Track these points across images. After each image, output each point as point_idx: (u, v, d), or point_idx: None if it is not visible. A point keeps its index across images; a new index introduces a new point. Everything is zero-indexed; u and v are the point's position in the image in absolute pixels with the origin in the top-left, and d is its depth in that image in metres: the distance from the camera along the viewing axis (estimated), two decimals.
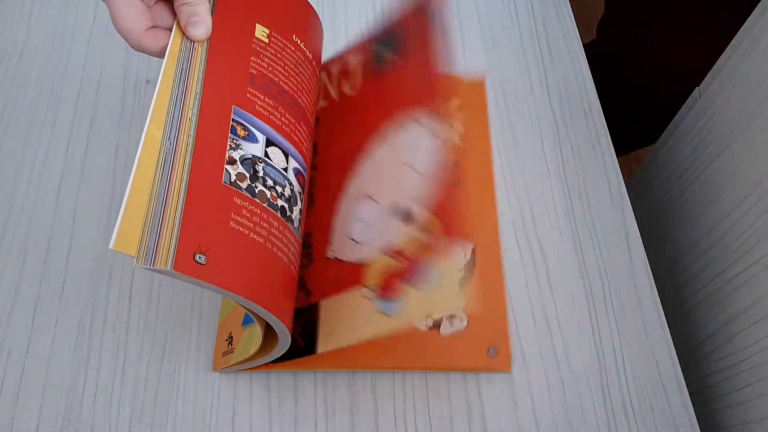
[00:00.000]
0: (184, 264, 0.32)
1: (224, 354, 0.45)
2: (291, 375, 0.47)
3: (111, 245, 0.30)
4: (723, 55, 0.56)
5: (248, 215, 0.36)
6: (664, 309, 0.51)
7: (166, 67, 0.37)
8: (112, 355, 0.47)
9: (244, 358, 0.42)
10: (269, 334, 0.40)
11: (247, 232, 0.36)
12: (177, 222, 0.33)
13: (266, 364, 0.43)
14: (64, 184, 0.53)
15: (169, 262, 0.31)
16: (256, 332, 0.40)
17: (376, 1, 0.67)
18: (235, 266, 0.34)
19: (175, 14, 0.40)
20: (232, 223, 0.35)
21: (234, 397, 0.46)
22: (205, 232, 0.34)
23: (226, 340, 0.46)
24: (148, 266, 0.31)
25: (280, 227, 0.39)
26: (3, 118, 0.56)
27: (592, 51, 0.68)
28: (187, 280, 0.32)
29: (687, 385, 0.48)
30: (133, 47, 0.39)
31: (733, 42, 0.55)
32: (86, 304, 0.48)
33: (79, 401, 0.45)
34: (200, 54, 0.39)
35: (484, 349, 0.48)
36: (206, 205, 0.35)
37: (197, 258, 0.32)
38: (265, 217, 0.37)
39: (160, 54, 0.38)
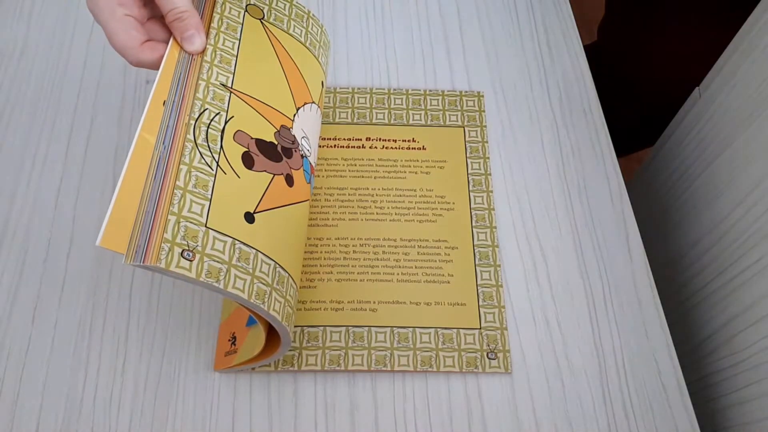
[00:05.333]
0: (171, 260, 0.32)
1: (227, 354, 0.45)
2: (291, 375, 0.47)
3: (97, 242, 0.31)
4: (723, 55, 0.56)
5: None
6: (664, 309, 0.51)
7: (162, 75, 0.38)
8: (112, 355, 0.47)
9: (247, 358, 0.42)
10: (272, 334, 0.40)
11: None
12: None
13: (267, 365, 0.43)
14: (64, 184, 0.53)
15: (158, 258, 0.32)
16: (259, 332, 0.40)
17: (376, 1, 0.67)
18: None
19: (167, 28, 0.40)
20: None
21: (234, 397, 0.46)
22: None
23: (229, 340, 0.46)
24: (138, 263, 0.31)
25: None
26: (3, 118, 0.56)
27: (592, 52, 0.68)
28: (175, 276, 0.33)
29: (687, 385, 0.48)
30: (131, 63, 0.39)
31: (733, 42, 0.55)
32: (86, 304, 0.48)
33: (79, 401, 0.45)
34: (199, 61, 0.40)
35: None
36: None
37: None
38: None
39: (159, 65, 0.39)
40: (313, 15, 0.49)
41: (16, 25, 0.62)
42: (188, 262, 0.33)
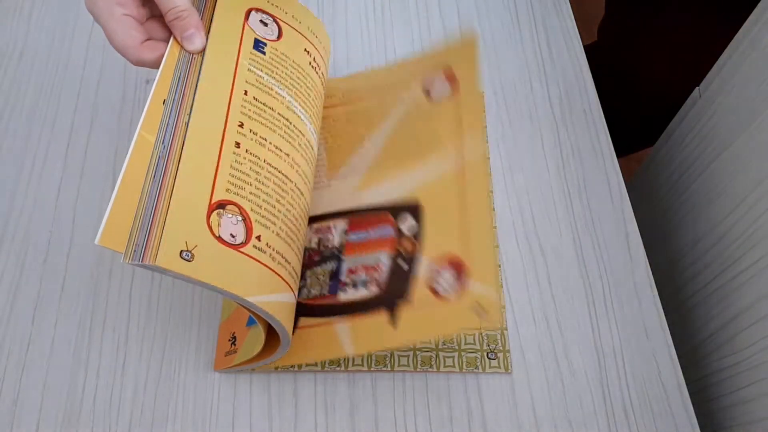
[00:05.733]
0: (170, 260, 0.33)
1: (227, 354, 0.45)
2: (291, 375, 0.47)
3: (96, 241, 0.31)
4: (723, 55, 0.56)
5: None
6: (664, 309, 0.51)
7: (162, 74, 0.38)
8: (112, 355, 0.47)
9: (247, 358, 0.42)
10: (273, 334, 0.40)
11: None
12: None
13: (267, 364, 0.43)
14: (64, 184, 0.53)
15: (157, 258, 0.32)
16: (259, 333, 0.40)
17: (376, 1, 0.67)
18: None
19: (167, 27, 0.40)
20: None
21: (234, 397, 0.46)
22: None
23: (229, 340, 0.46)
24: (137, 262, 0.31)
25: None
26: (3, 118, 0.56)
27: (592, 52, 0.68)
28: (175, 276, 0.33)
29: (687, 385, 0.48)
30: (132, 62, 0.40)
31: (733, 42, 0.55)
32: (86, 304, 0.48)
33: (79, 401, 0.45)
34: (199, 60, 0.40)
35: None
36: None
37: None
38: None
39: (159, 64, 0.39)
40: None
41: (16, 25, 0.62)
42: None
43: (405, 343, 0.45)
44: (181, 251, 0.33)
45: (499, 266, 0.52)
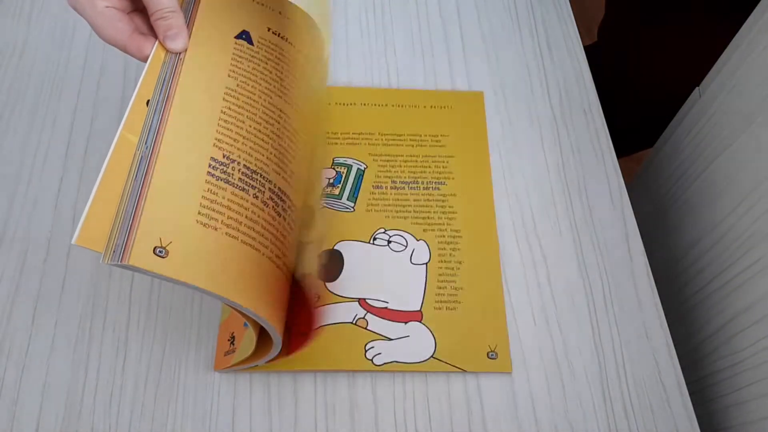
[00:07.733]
0: (142, 257, 0.32)
1: (226, 354, 0.45)
2: (291, 375, 0.47)
3: (73, 240, 0.31)
4: (723, 55, 0.56)
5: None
6: (664, 309, 0.51)
7: (146, 75, 0.38)
8: (112, 355, 0.47)
9: (243, 358, 0.42)
10: (267, 335, 0.40)
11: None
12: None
13: (266, 364, 0.43)
14: (64, 184, 0.53)
15: (130, 257, 0.31)
16: (251, 332, 0.40)
17: (377, 1, 0.67)
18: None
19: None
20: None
21: (234, 397, 0.46)
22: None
23: (228, 340, 0.46)
24: (116, 262, 0.31)
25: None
26: (3, 118, 0.56)
27: (592, 52, 0.68)
28: (152, 275, 0.32)
29: (687, 385, 0.48)
30: (123, 51, 0.39)
31: (733, 42, 0.55)
32: (86, 304, 0.48)
33: (79, 401, 0.45)
34: (183, 58, 0.39)
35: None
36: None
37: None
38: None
39: (146, 61, 0.39)
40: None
41: (16, 25, 0.62)
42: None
43: None
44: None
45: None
